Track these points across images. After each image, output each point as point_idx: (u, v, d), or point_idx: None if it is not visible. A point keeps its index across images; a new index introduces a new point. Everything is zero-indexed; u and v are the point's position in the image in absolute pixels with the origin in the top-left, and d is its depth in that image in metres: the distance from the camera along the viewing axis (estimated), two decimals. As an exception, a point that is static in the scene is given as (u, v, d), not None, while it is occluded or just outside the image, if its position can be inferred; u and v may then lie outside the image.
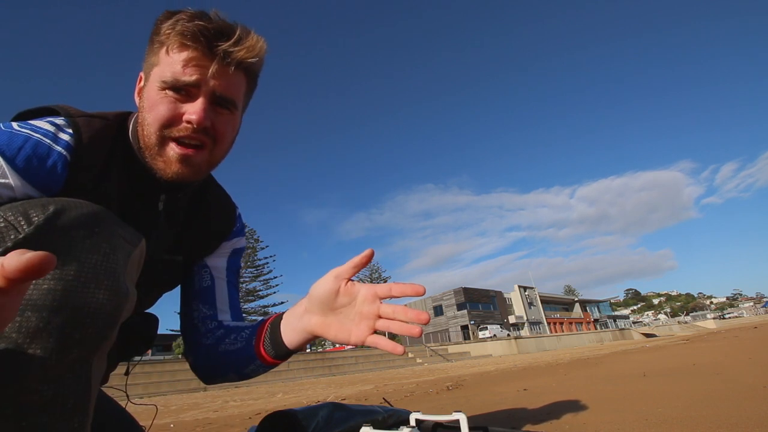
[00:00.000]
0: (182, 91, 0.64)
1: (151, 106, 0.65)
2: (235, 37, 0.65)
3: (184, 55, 0.63)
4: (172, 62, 0.64)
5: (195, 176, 0.70)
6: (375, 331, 0.62)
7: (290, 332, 0.69)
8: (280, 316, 0.73)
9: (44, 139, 0.59)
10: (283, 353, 0.71)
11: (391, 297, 0.60)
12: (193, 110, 0.64)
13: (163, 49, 0.65)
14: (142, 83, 0.70)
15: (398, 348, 0.60)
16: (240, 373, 0.78)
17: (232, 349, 0.78)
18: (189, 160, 0.67)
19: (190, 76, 0.63)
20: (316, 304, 0.64)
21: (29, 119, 0.63)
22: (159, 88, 0.64)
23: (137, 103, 0.72)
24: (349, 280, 0.63)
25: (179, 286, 0.90)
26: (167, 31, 0.63)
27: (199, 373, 0.83)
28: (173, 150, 0.66)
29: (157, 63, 0.65)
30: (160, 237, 0.77)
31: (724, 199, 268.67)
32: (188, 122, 0.64)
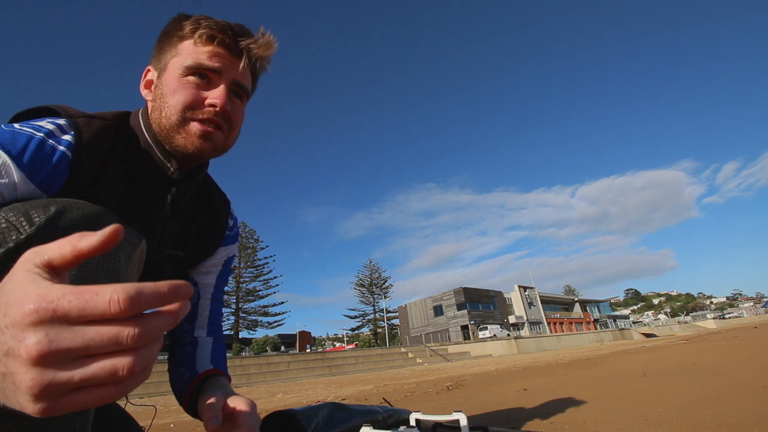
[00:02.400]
0: (205, 77, 0.69)
1: (173, 90, 0.69)
2: (257, 35, 0.73)
3: (211, 46, 0.69)
4: (197, 51, 0.69)
5: (213, 153, 0.74)
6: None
7: (201, 407, 0.68)
8: (204, 381, 0.76)
9: (48, 138, 0.59)
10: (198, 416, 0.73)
11: None
12: (216, 95, 0.69)
13: (186, 42, 0.70)
14: (151, 76, 0.73)
15: None
16: (178, 399, 0.82)
17: (175, 382, 0.83)
18: (210, 137, 0.70)
19: (213, 63, 0.69)
20: None
21: (28, 119, 0.63)
22: (181, 75, 0.68)
23: (145, 96, 0.74)
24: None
25: None
26: (192, 27, 0.69)
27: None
28: (195, 127, 0.69)
29: (177, 54, 0.70)
30: (166, 231, 0.78)
31: (725, 199, 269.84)
32: (212, 105, 0.69)
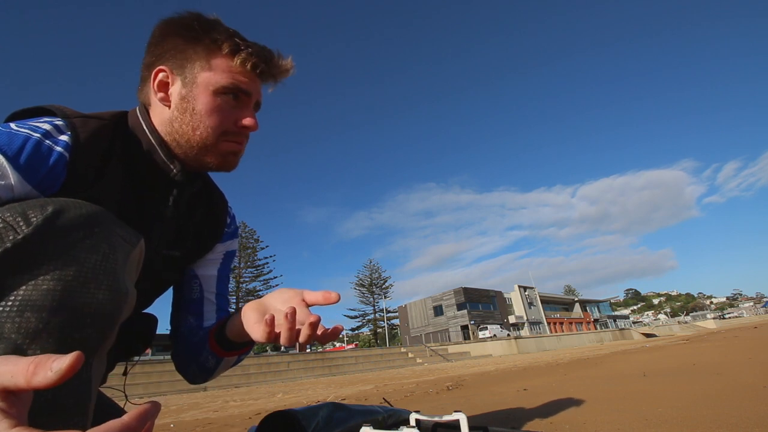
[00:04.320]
0: (238, 98, 0.72)
1: (210, 111, 0.70)
2: (285, 60, 0.75)
3: (254, 74, 0.72)
4: (234, 72, 0.70)
5: (234, 167, 0.78)
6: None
7: (232, 326, 0.71)
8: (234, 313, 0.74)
9: (44, 139, 0.58)
10: (225, 342, 0.74)
11: (309, 305, 0.62)
12: (248, 118, 0.73)
13: (222, 59, 0.70)
14: (163, 77, 0.70)
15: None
16: (198, 362, 0.80)
17: (193, 341, 0.81)
18: (238, 154, 0.76)
19: (248, 87, 0.72)
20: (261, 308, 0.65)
21: (25, 119, 0.62)
22: (215, 92, 0.70)
23: (160, 99, 0.71)
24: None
25: (171, 289, 0.91)
26: (230, 47, 0.69)
27: (186, 376, 0.87)
28: (230, 146, 0.74)
29: (211, 69, 0.70)
30: (165, 232, 0.77)
31: (725, 198, 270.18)
32: (246, 127, 0.73)
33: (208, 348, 0.76)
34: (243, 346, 0.75)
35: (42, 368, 0.27)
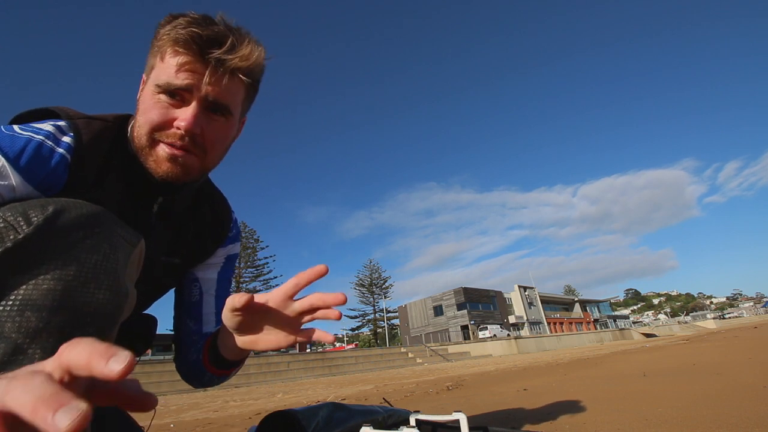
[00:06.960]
0: (176, 96, 0.64)
1: (145, 109, 0.65)
2: (228, 44, 0.63)
3: (177, 60, 0.62)
4: (166, 67, 0.63)
5: (185, 177, 0.68)
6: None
7: (225, 349, 0.68)
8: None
9: (47, 140, 0.59)
10: (226, 365, 0.72)
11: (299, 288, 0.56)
12: (183, 116, 0.63)
13: (159, 55, 0.64)
14: (142, 86, 0.70)
15: (328, 337, 0.56)
16: (201, 382, 0.79)
17: (192, 359, 0.80)
18: (177, 160, 0.65)
19: (182, 81, 0.62)
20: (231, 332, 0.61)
21: (29, 121, 0.63)
22: (154, 92, 0.64)
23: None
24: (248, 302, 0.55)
25: (172, 290, 0.91)
26: (164, 37, 0.63)
27: (186, 380, 0.87)
28: (163, 150, 0.65)
29: (155, 67, 0.65)
30: (157, 238, 0.77)
31: (726, 198, 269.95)
32: (178, 128, 0.64)
33: (209, 374, 0.76)
34: (239, 362, 0.73)
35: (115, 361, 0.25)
